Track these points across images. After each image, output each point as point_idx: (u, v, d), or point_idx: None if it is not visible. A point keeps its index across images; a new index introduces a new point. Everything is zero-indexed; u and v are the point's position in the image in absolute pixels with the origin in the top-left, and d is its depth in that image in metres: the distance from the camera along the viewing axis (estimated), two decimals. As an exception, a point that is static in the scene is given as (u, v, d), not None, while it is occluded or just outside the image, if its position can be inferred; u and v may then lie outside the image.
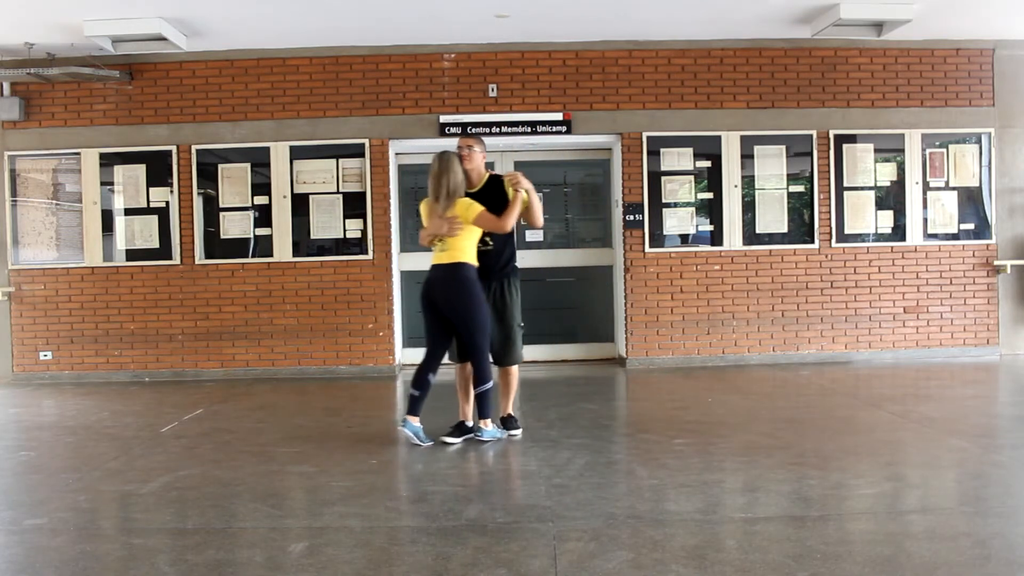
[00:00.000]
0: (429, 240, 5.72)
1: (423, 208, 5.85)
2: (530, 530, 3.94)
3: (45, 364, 9.04)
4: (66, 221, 9.06)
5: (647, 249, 9.05)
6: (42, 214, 9.05)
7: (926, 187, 9.22)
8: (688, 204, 9.13)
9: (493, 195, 5.74)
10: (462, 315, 5.60)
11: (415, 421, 5.65)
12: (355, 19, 8.12)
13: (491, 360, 5.77)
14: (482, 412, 5.70)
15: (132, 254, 9.03)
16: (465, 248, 5.62)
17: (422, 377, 5.70)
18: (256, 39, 8.67)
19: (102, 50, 8.26)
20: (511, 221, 5.67)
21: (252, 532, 4.08)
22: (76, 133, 8.97)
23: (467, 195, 5.69)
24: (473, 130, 8.75)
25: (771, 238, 9.14)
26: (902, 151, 9.19)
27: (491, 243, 5.78)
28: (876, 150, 9.20)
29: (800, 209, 9.19)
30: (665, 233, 9.10)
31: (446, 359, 5.82)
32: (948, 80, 9.20)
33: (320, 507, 4.42)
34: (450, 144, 8.85)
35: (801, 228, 9.17)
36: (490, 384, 5.66)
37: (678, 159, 9.10)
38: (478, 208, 5.59)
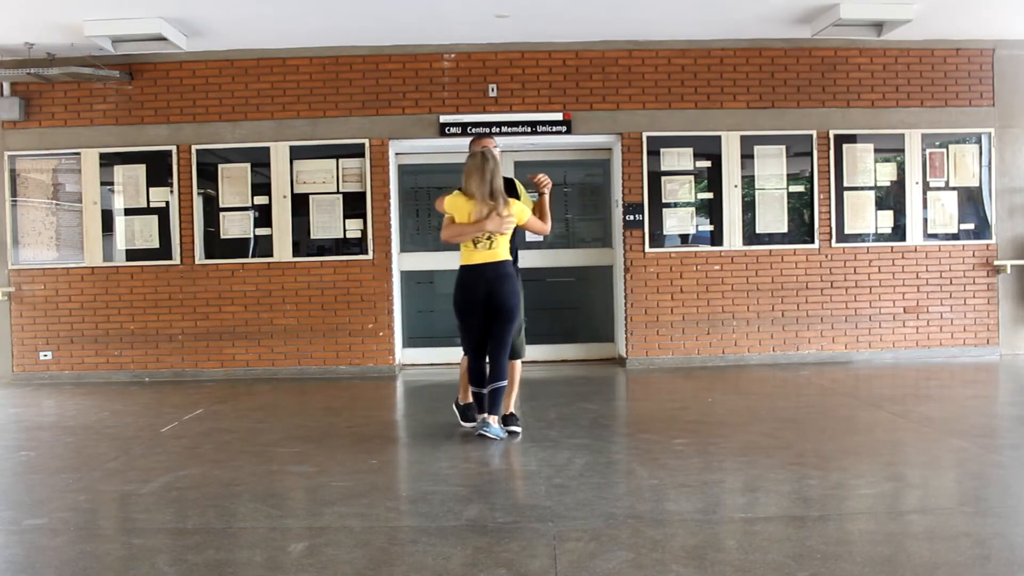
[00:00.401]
0: (470, 237, 5.68)
1: (458, 204, 5.69)
2: (530, 530, 3.94)
3: (45, 364, 9.04)
4: (66, 221, 9.06)
5: (647, 249, 9.05)
6: (42, 214, 9.05)
7: (926, 187, 9.22)
8: (688, 204, 9.13)
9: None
10: (511, 310, 5.70)
11: (495, 420, 5.75)
12: (355, 19, 8.13)
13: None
14: (491, 408, 5.71)
15: (132, 254, 9.03)
16: (507, 246, 5.76)
17: (481, 373, 5.80)
18: (256, 39, 8.67)
19: (102, 50, 8.26)
20: (550, 223, 6.03)
21: (252, 532, 4.08)
22: (76, 133, 8.97)
23: None
24: (473, 130, 8.78)
25: (771, 238, 9.14)
26: (902, 151, 9.19)
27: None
28: (876, 150, 9.20)
29: (800, 209, 9.19)
30: (665, 233, 9.10)
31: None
32: (948, 80, 9.20)
33: (320, 507, 4.42)
34: (449, 144, 8.95)
35: (801, 228, 9.17)
36: (506, 382, 5.74)
37: (678, 159, 9.11)
38: (529, 211, 5.82)
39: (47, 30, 8.02)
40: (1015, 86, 9.23)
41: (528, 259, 8.72)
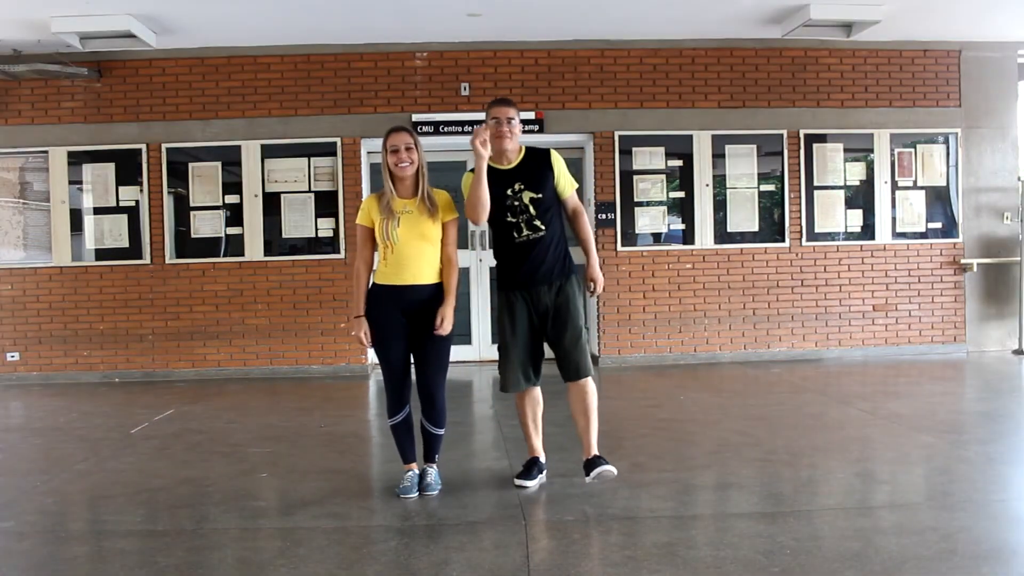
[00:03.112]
0: None
1: None
2: (503, 529, 3.94)
3: (13, 365, 8.91)
4: (34, 220, 8.94)
5: (619, 248, 9.08)
6: (9, 213, 8.92)
7: (895, 186, 9.32)
8: (660, 203, 9.17)
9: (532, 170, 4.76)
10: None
11: None
12: (327, 17, 8.07)
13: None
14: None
15: (101, 253, 8.92)
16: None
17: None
18: (227, 37, 8.60)
19: (70, 47, 8.15)
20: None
21: (223, 533, 4.05)
22: (44, 131, 8.85)
23: (500, 172, 4.74)
24: (446, 129, 8.79)
25: (742, 237, 9.20)
26: (871, 151, 9.28)
27: None
28: (846, 150, 9.28)
29: (771, 208, 9.25)
30: (637, 232, 9.13)
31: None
32: (916, 81, 9.31)
33: (292, 507, 4.40)
34: (421, 143, 8.90)
35: (772, 227, 9.24)
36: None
37: (650, 158, 9.14)
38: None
39: (13, 26, 7.90)
40: (981, 87, 9.34)
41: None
